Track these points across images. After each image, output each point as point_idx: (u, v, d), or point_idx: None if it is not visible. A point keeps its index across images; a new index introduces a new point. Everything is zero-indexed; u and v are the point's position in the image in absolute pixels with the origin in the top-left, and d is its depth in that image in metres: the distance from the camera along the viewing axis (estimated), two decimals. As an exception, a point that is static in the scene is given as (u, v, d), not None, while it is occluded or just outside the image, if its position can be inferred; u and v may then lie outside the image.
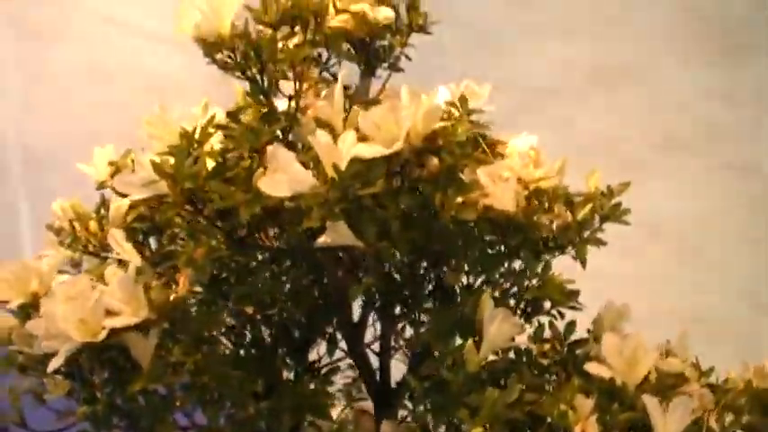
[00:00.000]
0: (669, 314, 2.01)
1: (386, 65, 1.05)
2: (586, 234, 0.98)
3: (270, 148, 0.89)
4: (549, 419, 0.89)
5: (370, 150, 0.86)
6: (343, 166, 0.86)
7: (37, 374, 0.99)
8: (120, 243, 1.02)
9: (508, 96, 2.26)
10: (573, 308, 0.99)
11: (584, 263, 0.98)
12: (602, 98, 2.05)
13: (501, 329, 0.91)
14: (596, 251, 2.10)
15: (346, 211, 0.87)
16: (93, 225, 1.09)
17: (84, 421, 0.99)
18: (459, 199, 0.91)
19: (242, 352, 1.07)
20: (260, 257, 1.03)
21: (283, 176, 0.87)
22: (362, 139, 0.88)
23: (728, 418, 0.96)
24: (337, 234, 0.88)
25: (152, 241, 1.08)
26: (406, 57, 1.06)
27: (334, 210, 0.86)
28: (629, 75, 2.00)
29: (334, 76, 1.03)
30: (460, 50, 2.20)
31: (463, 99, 1.02)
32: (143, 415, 0.97)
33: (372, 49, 1.03)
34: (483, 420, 0.88)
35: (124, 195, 1.01)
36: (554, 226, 0.98)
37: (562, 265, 1.01)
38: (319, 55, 1.01)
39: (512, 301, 0.99)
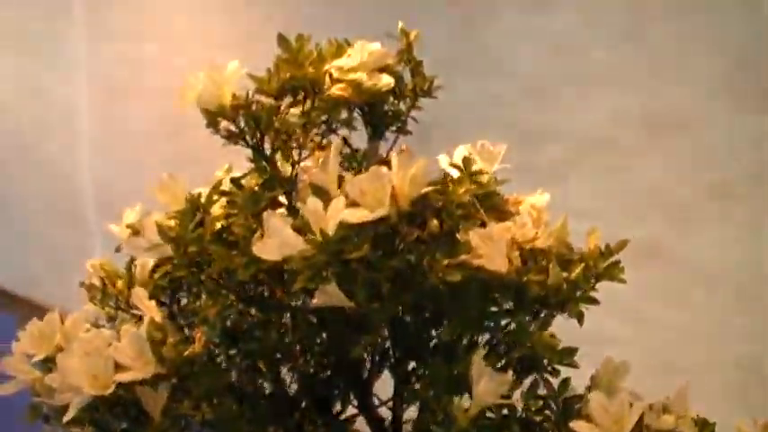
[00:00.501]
0: (726, 364, 1.99)
1: (393, 128, 1.09)
2: (579, 293, 0.99)
3: (264, 214, 0.93)
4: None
5: (355, 215, 0.90)
6: (330, 231, 0.90)
7: (59, 425, 1.04)
8: (142, 300, 1.08)
9: (560, 146, 2.28)
10: (569, 365, 1.00)
11: (580, 321, 0.99)
12: (654, 147, 2.05)
13: (488, 387, 0.94)
14: (653, 302, 2.08)
15: (336, 274, 0.91)
16: (120, 283, 1.15)
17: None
18: (446, 261, 0.94)
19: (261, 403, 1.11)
20: (286, 314, 1.07)
21: (275, 241, 0.91)
22: (354, 204, 0.92)
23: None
24: (327, 296, 0.92)
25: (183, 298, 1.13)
26: (413, 119, 1.10)
27: (322, 272, 0.90)
28: (681, 123, 1.99)
29: (344, 140, 1.07)
30: (511, 101, 2.22)
31: (467, 161, 1.05)
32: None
33: (378, 114, 1.07)
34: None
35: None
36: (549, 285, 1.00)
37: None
38: (326, 120, 1.05)
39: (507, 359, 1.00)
